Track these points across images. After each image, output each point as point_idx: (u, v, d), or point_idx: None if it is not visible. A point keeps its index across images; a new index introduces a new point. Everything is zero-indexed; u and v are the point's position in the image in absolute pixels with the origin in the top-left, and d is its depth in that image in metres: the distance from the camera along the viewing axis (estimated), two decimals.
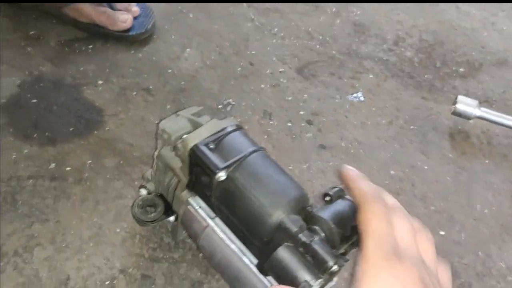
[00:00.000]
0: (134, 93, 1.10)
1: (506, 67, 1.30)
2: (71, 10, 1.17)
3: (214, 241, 0.61)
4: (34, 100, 1.04)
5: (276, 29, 1.34)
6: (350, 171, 0.49)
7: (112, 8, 1.21)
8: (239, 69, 1.21)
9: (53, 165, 0.92)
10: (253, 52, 1.26)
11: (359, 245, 0.43)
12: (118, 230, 0.83)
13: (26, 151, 0.93)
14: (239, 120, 1.07)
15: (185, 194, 0.66)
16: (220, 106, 1.10)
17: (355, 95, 1.18)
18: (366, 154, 1.04)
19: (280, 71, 1.22)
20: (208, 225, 0.62)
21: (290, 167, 0.99)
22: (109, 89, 1.09)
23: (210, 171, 0.60)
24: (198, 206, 0.64)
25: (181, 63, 1.20)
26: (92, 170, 0.92)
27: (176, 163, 0.68)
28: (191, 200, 0.65)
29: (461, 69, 1.29)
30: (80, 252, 0.79)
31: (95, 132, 0.99)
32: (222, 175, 0.59)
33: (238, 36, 1.30)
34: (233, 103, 1.11)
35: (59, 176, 0.90)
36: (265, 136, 1.05)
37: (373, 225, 0.43)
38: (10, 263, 0.76)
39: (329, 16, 1.41)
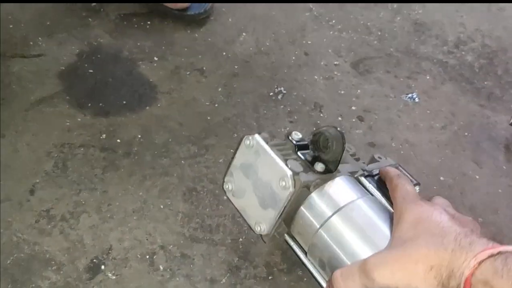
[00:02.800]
0: (188, 73, 1.10)
1: None
2: None
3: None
4: (91, 71, 1.06)
5: (334, 21, 1.32)
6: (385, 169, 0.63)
7: None
8: (293, 58, 1.20)
9: (104, 136, 0.93)
10: (309, 42, 1.25)
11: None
12: (161, 207, 0.83)
13: (79, 119, 0.95)
14: (288, 109, 1.06)
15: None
16: (271, 94, 1.09)
17: (410, 95, 1.15)
18: (416, 157, 1.01)
19: (335, 64, 1.20)
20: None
21: None
22: (163, 67, 1.10)
23: None
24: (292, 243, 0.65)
25: (236, 47, 1.19)
26: (141, 144, 0.93)
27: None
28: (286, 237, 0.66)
29: None
30: (123, 224, 0.80)
31: (147, 107, 1.01)
32: None
33: (295, 25, 1.29)
34: (285, 91, 1.10)
35: (109, 147, 0.91)
36: (314, 128, 1.03)
37: (398, 190, 0.57)
38: (57, 227, 0.79)
39: (389, 12, 1.37)
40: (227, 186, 0.66)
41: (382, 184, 0.64)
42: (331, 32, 1.28)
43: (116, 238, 0.78)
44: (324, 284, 0.59)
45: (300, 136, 0.66)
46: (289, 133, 0.66)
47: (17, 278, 0.72)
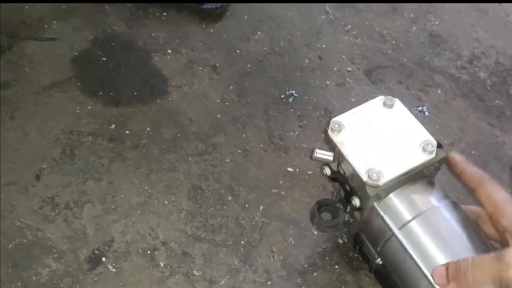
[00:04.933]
0: (201, 68, 1.10)
1: None
2: None
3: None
4: (104, 59, 1.05)
5: (349, 26, 1.31)
6: (460, 157, 0.63)
7: None
8: (306, 61, 1.19)
9: (113, 126, 0.93)
10: (323, 45, 1.24)
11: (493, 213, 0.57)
12: (166, 202, 0.84)
13: (89, 107, 0.95)
14: (298, 113, 1.06)
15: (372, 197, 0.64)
16: (282, 96, 1.09)
17: (420, 108, 1.14)
18: None
19: (348, 70, 1.19)
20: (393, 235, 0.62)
21: None
22: (177, 60, 1.10)
23: None
24: (383, 213, 0.64)
25: (250, 45, 1.19)
26: (149, 137, 0.93)
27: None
28: (376, 205, 0.65)
29: None
30: (127, 217, 0.80)
31: (158, 100, 1.00)
32: None
33: (310, 27, 1.28)
34: (296, 95, 1.10)
35: (117, 138, 0.91)
36: (323, 135, 1.03)
37: (500, 196, 0.57)
38: (61, 214, 0.79)
39: (405, 21, 1.36)
40: (336, 127, 0.65)
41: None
42: (346, 38, 1.27)
43: (119, 230, 0.78)
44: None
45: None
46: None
47: (18, 264, 0.73)
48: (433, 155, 0.62)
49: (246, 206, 0.87)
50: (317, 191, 0.92)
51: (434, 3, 1.39)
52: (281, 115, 1.05)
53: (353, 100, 1.12)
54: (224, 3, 1.22)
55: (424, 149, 0.62)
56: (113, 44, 1.09)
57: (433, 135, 1.10)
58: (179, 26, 1.18)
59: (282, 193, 0.91)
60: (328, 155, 0.67)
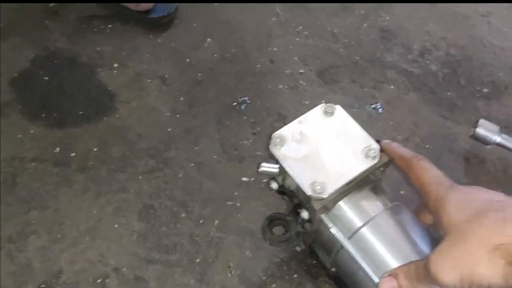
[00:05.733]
0: (149, 80, 1.07)
1: None
2: None
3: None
4: (46, 78, 1.02)
5: (300, 27, 1.30)
6: (392, 142, 0.62)
7: None
8: (258, 65, 1.18)
9: (58, 149, 0.90)
10: (275, 48, 1.23)
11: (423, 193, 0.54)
12: (116, 226, 0.81)
13: (32, 131, 0.92)
14: (252, 120, 1.05)
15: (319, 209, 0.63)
16: (234, 104, 1.07)
17: (374, 105, 1.14)
18: None
19: (300, 72, 1.18)
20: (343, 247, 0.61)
21: None
22: (124, 74, 1.07)
23: None
24: (332, 225, 0.62)
25: (200, 53, 1.17)
26: (97, 158, 0.90)
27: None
28: (324, 217, 0.63)
29: (485, 90, 1.24)
30: (75, 245, 0.78)
31: (105, 118, 0.98)
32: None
33: (261, 30, 1.27)
34: (249, 101, 1.09)
35: (63, 161, 0.88)
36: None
37: (426, 175, 0.54)
38: (4, 249, 0.76)
39: (356, 19, 1.36)
40: (277, 141, 0.63)
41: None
42: (297, 39, 1.26)
43: (67, 260, 0.76)
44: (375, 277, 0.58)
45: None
46: None
47: None
48: (376, 160, 0.62)
49: (201, 221, 0.85)
50: (272, 199, 0.90)
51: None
52: (234, 123, 1.04)
53: (307, 102, 1.12)
54: (172, 12, 1.19)
55: (367, 155, 0.61)
56: (55, 61, 1.06)
57: (387, 132, 1.10)
58: (125, 39, 1.15)
59: (238, 204, 0.89)
60: (274, 168, 0.66)
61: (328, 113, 0.65)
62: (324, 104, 0.66)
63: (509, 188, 1.05)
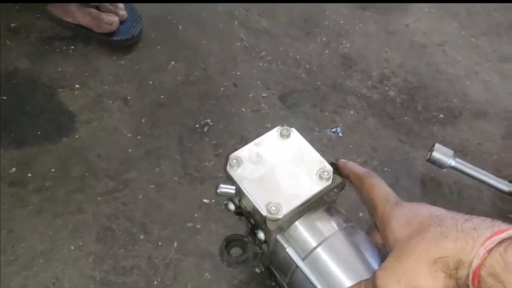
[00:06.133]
0: (111, 101, 1.07)
1: (484, 119, 1.31)
2: (55, 8, 1.14)
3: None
4: (4, 97, 1.00)
5: (264, 52, 1.33)
6: (347, 161, 0.64)
7: (98, 9, 1.18)
8: (222, 89, 1.19)
9: (14, 169, 0.88)
10: (238, 72, 1.25)
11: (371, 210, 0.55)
12: (72, 248, 0.80)
13: None
14: (214, 142, 1.05)
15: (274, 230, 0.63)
16: (197, 126, 1.08)
17: (334, 130, 1.17)
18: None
19: (263, 96, 1.20)
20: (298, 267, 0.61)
21: None
22: (85, 94, 1.06)
23: None
24: (287, 246, 0.62)
25: (164, 75, 1.17)
26: (55, 179, 0.89)
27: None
28: (279, 238, 0.63)
29: (441, 115, 1.29)
30: (29, 268, 0.76)
31: (65, 138, 0.97)
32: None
33: (226, 54, 1.29)
34: (211, 124, 1.09)
35: (19, 181, 0.87)
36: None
37: (375, 192, 0.55)
38: None
39: (318, 45, 1.40)
40: (234, 162, 0.64)
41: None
42: (260, 64, 1.29)
43: (19, 284, 0.74)
44: None
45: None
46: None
47: None
48: (330, 182, 0.63)
49: (160, 243, 0.84)
50: (233, 221, 0.91)
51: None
52: (197, 145, 1.04)
53: (269, 125, 1.13)
54: (135, 35, 1.20)
55: (320, 177, 0.63)
56: (15, 81, 1.04)
57: (346, 155, 1.13)
58: (88, 60, 1.15)
59: (198, 226, 0.89)
60: (231, 189, 0.66)
61: (284, 136, 0.67)
62: (280, 127, 0.67)
63: (463, 210, 1.08)
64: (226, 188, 0.67)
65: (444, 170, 1.12)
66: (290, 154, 0.65)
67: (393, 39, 1.47)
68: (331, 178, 0.63)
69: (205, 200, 0.94)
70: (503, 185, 1.09)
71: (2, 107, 0.98)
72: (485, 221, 0.44)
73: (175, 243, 0.85)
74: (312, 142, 1.11)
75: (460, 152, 1.21)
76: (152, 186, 0.92)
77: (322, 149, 1.11)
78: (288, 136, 0.67)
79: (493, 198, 1.13)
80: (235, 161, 0.64)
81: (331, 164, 0.66)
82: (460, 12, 1.56)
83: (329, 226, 0.65)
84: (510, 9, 1.61)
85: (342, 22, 1.45)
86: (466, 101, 1.34)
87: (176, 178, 0.96)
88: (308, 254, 0.63)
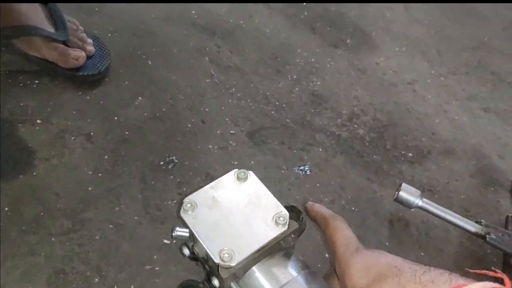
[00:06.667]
0: (73, 137, 1.04)
1: (453, 158, 1.32)
2: (21, 42, 1.12)
3: None
4: None
5: (234, 89, 1.32)
6: (314, 204, 0.62)
7: (66, 44, 1.17)
8: (189, 125, 1.18)
9: None
10: (207, 109, 1.24)
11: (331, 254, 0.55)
12: None
13: None
14: (178, 180, 1.03)
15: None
16: (161, 163, 1.06)
17: (302, 167, 1.16)
18: (303, 233, 1.01)
19: (231, 133, 1.19)
20: None
21: None
22: (46, 130, 1.04)
23: None
24: None
25: (130, 111, 1.16)
26: (7, 219, 0.85)
27: None
28: (234, 286, 0.60)
29: (410, 154, 1.29)
30: None
31: (21, 176, 0.93)
32: None
33: (194, 90, 1.28)
34: (176, 161, 1.08)
35: None
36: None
37: (337, 236, 0.54)
38: None
39: (288, 83, 1.41)
40: (188, 206, 0.61)
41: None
42: (230, 100, 1.28)
43: None
44: None
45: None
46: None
47: None
48: (286, 227, 0.62)
49: (115, 287, 0.81)
50: (193, 263, 0.88)
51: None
52: (160, 183, 1.02)
53: (236, 163, 1.12)
54: (102, 70, 1.18)
55: (276, 222, 0.61)
56: None
57: (314, 194, 1.12)
58: (52, 94, 1.13)
59: (157, 268, 0.86)
60: (187, 233, 0.64)
61: (241, 179, 0.65)
62: (237, 170, 0.66)
63: (431, 250, 1.08)
64: (182, 232, 0.64)
65: (412, 210, 1.11)
66: (247, 198, 0.64)
67: (363, 77, 1.49)
68: (287, 223, 0.62)
69: (165, 241, 0.91)
70: (470, 226, 1.08)
71: None
72: (443, 274, 0.44)
73: (132, 287, 0.82)
74: (279, 180, 1.10)
75: (428, 191, 1.21)
76: (110, 226, 0.89)
77: (289, 188, 1.10)
78: (245, 179, 0.65)
79: (460, 238, 1.13)
80: (189, 205, 0.62)
81: (294, 207, 0.65)
82: (430, 52, 1.59)
83: (286, 272, 0.63)
84: (479, 49, 1.65)
85: (313, 60, 1.46)
86: (434, 140, 1.35)
87: (136, 217, 0.93)
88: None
